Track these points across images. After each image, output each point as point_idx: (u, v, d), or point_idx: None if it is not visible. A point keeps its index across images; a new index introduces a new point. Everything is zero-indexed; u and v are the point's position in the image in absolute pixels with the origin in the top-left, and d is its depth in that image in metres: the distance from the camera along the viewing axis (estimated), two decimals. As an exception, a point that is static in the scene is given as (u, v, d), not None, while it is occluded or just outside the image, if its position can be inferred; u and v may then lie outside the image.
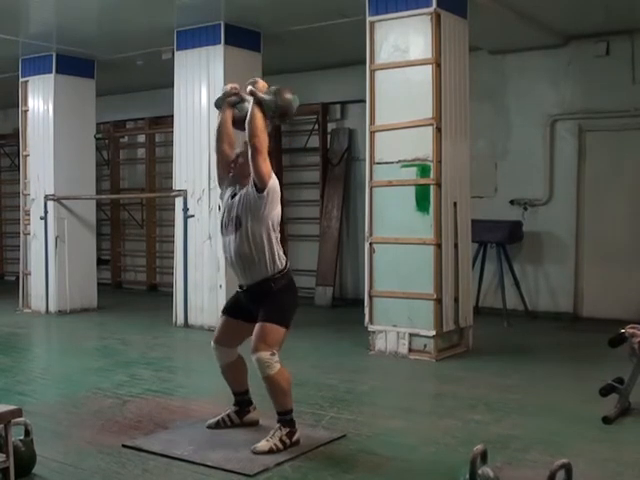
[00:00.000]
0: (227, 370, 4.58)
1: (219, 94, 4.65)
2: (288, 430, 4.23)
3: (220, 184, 4.56)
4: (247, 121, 4.22)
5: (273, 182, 4.25)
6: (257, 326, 4.23)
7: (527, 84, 9.17)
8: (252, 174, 4.20)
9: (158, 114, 11.77)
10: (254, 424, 4.62)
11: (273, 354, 4.18)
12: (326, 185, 10.56)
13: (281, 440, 4.20)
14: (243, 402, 4.64)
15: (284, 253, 4.39)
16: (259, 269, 4.25)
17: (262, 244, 4.22)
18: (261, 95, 4.28)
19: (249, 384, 4.65)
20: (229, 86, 4.59)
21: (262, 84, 4.37)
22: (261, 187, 4.20)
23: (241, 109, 4.47)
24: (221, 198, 4.53)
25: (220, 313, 4.77)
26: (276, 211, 4.30)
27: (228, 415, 4.62)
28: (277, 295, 4.27)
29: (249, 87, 4.32)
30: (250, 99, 4.34)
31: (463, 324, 7.09)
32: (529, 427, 4.70)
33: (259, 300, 4.29)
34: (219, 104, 4.57)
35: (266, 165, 4.20)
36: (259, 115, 4.22)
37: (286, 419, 4.26)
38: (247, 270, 4.29)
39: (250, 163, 4.18)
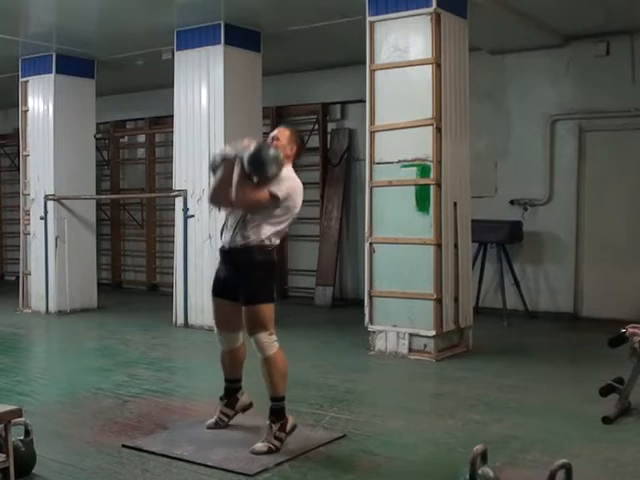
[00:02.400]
0: (228, 357, 4.59)
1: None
2: (279, 424, 4.23)
3: None
4: (237, 201, 4.24)
5: (285, 193, 4.24)
6: (245, 310, 4.25)
7: (527, 84, 9.17)
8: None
9: (158, 114, 11.77)
10: (248, 407, 4.64)
11: (271, 334, 4.23)
12: (326, 185, 10.56)
13: (276, 437, 4.20)
14: (231, 390, 4.63)
15: (281, 255, 4.40)
16: (247, 233, 4.24)
17: (261, 221, 4.24)
18: (229, 155, 4.28)
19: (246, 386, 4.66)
20: (220, 153, 4.46)
21: (226, 149, 4.36)
22: (275, 205, 4.24)
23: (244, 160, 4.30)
24: None
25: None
26: (294, 210, 4.33)
27: (221, 412, 4.63)
28: (255, 271, 4.25)
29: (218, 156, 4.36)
30: (233, 147, 4.33)
31: (463, 324, 7.09)
32: (529, 427, 4.70)
33: (237, 271, 4.29)
34: (215, 167, 4.44)
35: (259, 199, 4.19)
36: (233, 175, 4.20)
37: (278, 407, 4.25)
38: (235, 230, 4.28)
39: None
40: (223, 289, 4.46)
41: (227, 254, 4.39)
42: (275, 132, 4.50)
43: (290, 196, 4.28)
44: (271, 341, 4.23)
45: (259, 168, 4.18)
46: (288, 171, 4.37)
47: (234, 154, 4.27)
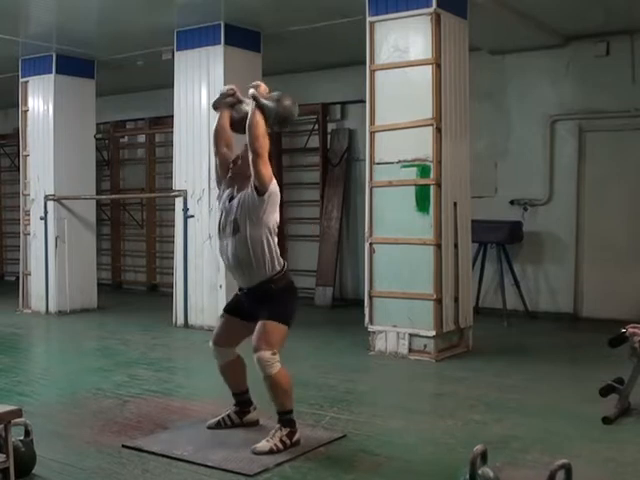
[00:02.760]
0: (226, 369, 4.58)
1: (218, 95, 4.65)
2: (288, 430, 4.23)
3: (218, 185, 4.58)
4: (247, 125, 4.22)
5: (274, 186, 4.26)
6: (259, 324, 4.23)
7: (527, 84, 9.17)
8: (253, 177, 4.20)
9: (158, 114, 11.77)
10: (254, 424, 4.62)
11: (274, 353, 4.18)
12: (326, 185, 10.56)
13: (281, 440, 4.20)
14: (243, 402, 4.64)
15: (282, 255, 4.39)
16: (257, 272, 4.25)
17: (261, 248, 4.22)
18: (263, 100, 4.27)
19: (248, 384, 4.64)
20: (226, 87, 4.60)
21: (264, 88, 4.37)
22: (262, 190, 4.20)
23: (239, 110, 4.49)
24: (218, 199, 4.53)
25: (220, 313, 4.77)
26: (275, 215, 4.30)
27: (228, 415, 4.63)
28: (278, 294, 4.27)
29: (251, 90, 4.30)
30: (248, 101, 4.35)
31: (463, 324, 7.09)
32: (529, 427, 4.70)
33: (260, 300, 4.29)
34: (216, 105, 4.58)
35: (267, 169, 4.20)
36: (260, 120, 4.21)
37: (286, 419, 4.26)
38: (246, 274, 4.29)
39: (251, 167, 4.18)
40: (242, 312, 4.43)
41: (247, 294, 4.37)
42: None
43: (274, 194, 4.27)
44: (273, 360, 4.17)
45: (287, 124, 4.40)
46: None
47: (235, 98, 4.43)
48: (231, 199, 4.34)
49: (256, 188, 4.21)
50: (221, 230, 4.37)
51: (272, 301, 4.26)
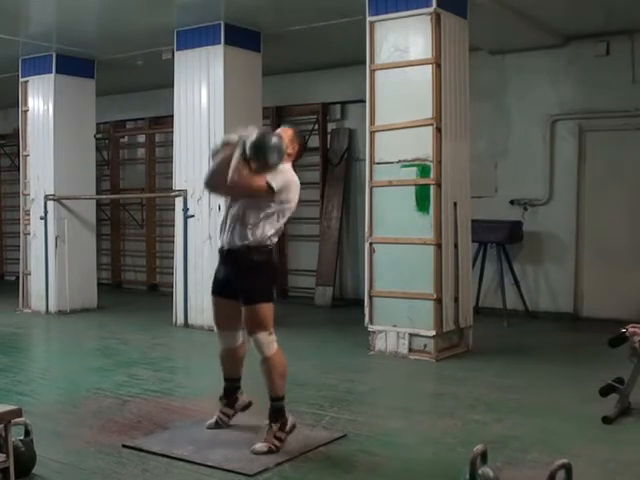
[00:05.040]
0: (227, 355, 4.58)
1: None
2: (279, 424, 4.24)
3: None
4: (229, 186, 4.22)
5: (280, 185, 4.25)
6: (245, 310, 4.25)
7: (527, 84, 9.17)
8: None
9: (158, 114, 11.77)
10: (248, 406, 4.64)
11: (270, 334, 4.23)
12: (326, 185, 10.56)
13: (276, 437, 4.20)
14: (231, 389, 4.63)
15: (282, 254, 4.39)
16: (246, 234, 4.24)
17: (258, 216, 4.23)
18: (224, 147, 4.30)
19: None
20: (223, 141, 4.50)
21: (227, 138, 4.37)
22: (270, 195, 4.23)
23: (247, 150, 4.29)
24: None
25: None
26: (288, 205, 4.33)
27: (221, 412, 4.62)
28: (254, 271, 4.26)
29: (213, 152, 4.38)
30: (236, 135, 4.33)
31: (463, 324, 7.09)
32: (529, 427, 4.71)
33: (236, 270, 4.29)
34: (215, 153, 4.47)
35: (254, 184, 4.18)
36: (236, 171, 4.16)
37: (278, 406, 4.25)
38: (233, 230, 4.28)
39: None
40: (222, 288, 4.46)
41: (226, 255, 4.38)
42: (279, 130, 4.52)
43: (285, 189, 4.29)
44: (270, 341, 4.23)
45: (261, 154, 4.15)
46: (287, 167, 4.39)
47: (236, 139, 4.25)
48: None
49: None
50: (233, 200, 4.38)
51: (249, 279, 4.25)
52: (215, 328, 4.60)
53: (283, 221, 4.37)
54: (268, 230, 4.28)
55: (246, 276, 4.27)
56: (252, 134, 4.20)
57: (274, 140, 4.22)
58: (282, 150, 4.23)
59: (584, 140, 8.97)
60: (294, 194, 4.37)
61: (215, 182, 4.41)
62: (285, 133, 4.46)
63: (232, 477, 3.86)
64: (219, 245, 4.48)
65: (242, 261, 4.28)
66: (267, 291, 4.32)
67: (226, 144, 4.32)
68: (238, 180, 4.16)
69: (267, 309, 4.27)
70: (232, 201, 4.39)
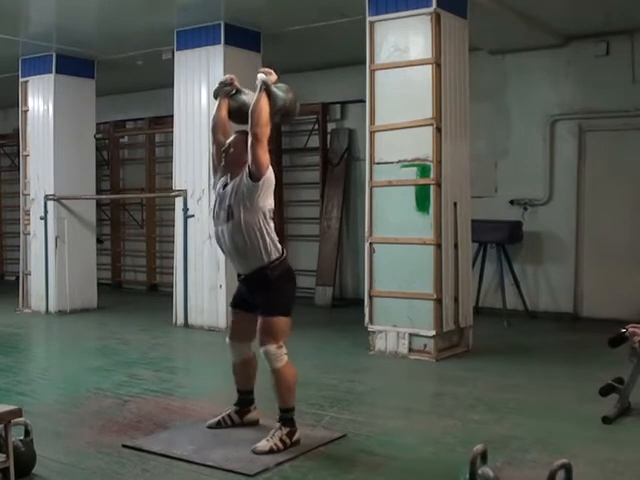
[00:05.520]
0: (239, 368, 4.59)
1: (217, 84, 4.68)
2: (288, 430, 4.24)
3: (213, 174, 4.58)
4: (251, 110, 4.21)
5: (269, 172, 4.26)
6: (260, 320, 4.24)
7: (527, 84, 9.17)
8: (250, 162, 4.18)
9: (158, 114, 11.77)
10: (254, 424, 4.62)
11: (280, 347, 4.21)
12: (326, 185, 10.56)
13: (281, 440, 4.20)
14: (245, 401, 4.64)
15: (281, 243, 4.38)
16: (254, 258, 4.23)
17: (255, 234, 4.20)
18: (273, 88, 4.29)
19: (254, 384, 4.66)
20: (226, 76, 4.63)
21: (274, 77, 4.36)
22: (257, 176, 4.19)
23: (237, 100, 4.51)
24: (214, 188, 4.51)
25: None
26: (269, 200, 4.28)
27: (229, 415, 4.63)
28: (275, 284, 4.25)
29: (261, 75, 4.31)
30: (247, 91, 4.44)
31: (463, 324, 7.09)
32: (529, 427, 4.70)
33: (257, 288, 4.29)
34: (216, 94, 4.60)
35: (265, 155, 4.21)
36: (266, 106, 4.22)
37: (287, 417, 4.26)
38: (243, 260, 4.29)
39: (249, 152, 4.17)
40: (242, 302, 4.46)
41: (246, 280, 4.37)
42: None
43: (270, 174, 4.28)
44: (280, 354, 4.20)
45: (287, 115, 4.41)
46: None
47: (233, 87, 4.50)
48: (225, 186, 4.33)
49: (251, 174, 4.19)
50: (215, 217, 4.36)
51: (269, 291, 4.24)
52: (227, 339, 4.58)
53: (271, 200, 4.31)
54: (271, 241, 4.25)
55: (268, 289, 4.25)
56: (288, 93, 4.35)
57: (298, 107, 4.48)
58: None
59: (584, 140, 8.97)
60: (272, 188, 4.33)
61: (215, 129, 4.52)
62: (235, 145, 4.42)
63: (232, 477, 3.86)
64: (236, 271, 4.47)
65: (263, 280, 4.25)
66: (286, 304, 4.31)
67: (224, 89, 4.53)
68: (262, 138, 4.18)
69: (283, 323, 4.25)
70: (219, 223, 4.31)
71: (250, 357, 4.55)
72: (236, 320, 4.54)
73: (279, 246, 4.32)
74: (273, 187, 4.33)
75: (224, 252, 4.47)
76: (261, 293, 4.28)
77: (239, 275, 4.44)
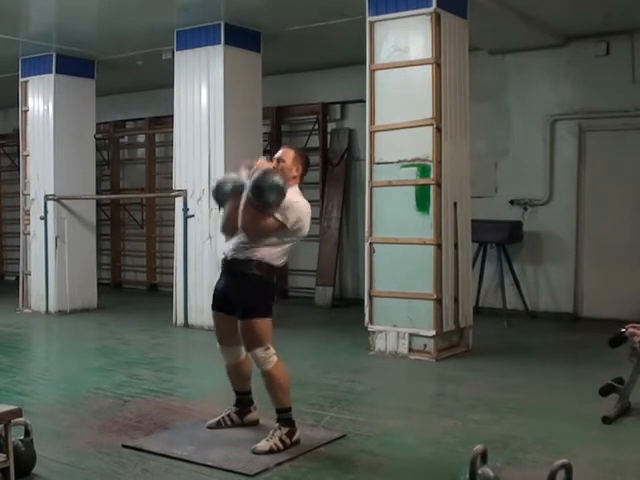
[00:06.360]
0: (232, 370, 4.60)
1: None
2: (288, 430, 4.24)
3: None
4: (242, 226, 4.22)
5: (293, 221, 4.21)
6: (240, 324, 4.23)
7: (527, 84, 9.17)
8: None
9: (158, 114, 11.77)
10: (254, 424, 4.63)
11: (267, 348, 4.21)
12: (326, 185, 10.56)
13: (281, 440, 4.20)
14: (244, 401, 4.64)
15: (282, 270, 4.35)
16: (252, 248, 4.22)
17: (268, 240, 4.21)
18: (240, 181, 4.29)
19: (251, 384, 4.66)
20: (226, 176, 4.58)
21: (260, 163, 4.34)
22: (285, 230, 4.23)
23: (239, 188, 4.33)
24: None
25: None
26: (301, 233, 4.32)
27: (228, 415, 4.63)
28: (252, 284, 4.23)
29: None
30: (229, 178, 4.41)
31: (463, 324, 7.09)
32: (529, 427, 4.70)
33: (235, 283, 4.27)
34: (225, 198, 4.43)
35: (266, 226, 4.18)
36: (243, 202, 4.17)
37: (285, 418, 4.26)
38: (243, 242, 4.25)
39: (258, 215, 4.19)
40: (221, 303, 4.44)
41: (228, 264, 4.36)
42: (280, 153, 4.46)
43: (298, 221, 4.26)
44: (268, 356, 4.20)
45: (260, 195, 4.13)
46: (294, 193, 4.34)
47: (235, 178, 4.30)
48: None
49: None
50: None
51: (246, 292, 4.22)
52: (217, 344, 4.58)
53: (293, 244, 4.34)
54: (275, 250, 4.26)
55: (243, 289, 4.25)
56: (254, 174, 4.17)
57: (272, 180, 4.14)
58: (282, 188, 4.17)
59: (584, 140, 8.97)
60: (306, 222, 4.33)
61: (230, 230, 4.37)
62: (287, 155, 4.42)
63: (232, 477, 3.86)
64: (223, 251, 4.44)
65: (241, 272, 4.25)
66: (264, 306, 4.28)
67: (234, 189, 4.30)
68: (248, 227, 4.17)
69: (263, 324, 4.23)
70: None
71: (243, 360, 4.53)
72: (219, 323, 4.51)
73: (277, 261, 4.29)
74: (306, 222, 4.31)
75: (226, 226, 4.39)
76: (238, 290, 4.26)
77: (224, 258, 4.37)
